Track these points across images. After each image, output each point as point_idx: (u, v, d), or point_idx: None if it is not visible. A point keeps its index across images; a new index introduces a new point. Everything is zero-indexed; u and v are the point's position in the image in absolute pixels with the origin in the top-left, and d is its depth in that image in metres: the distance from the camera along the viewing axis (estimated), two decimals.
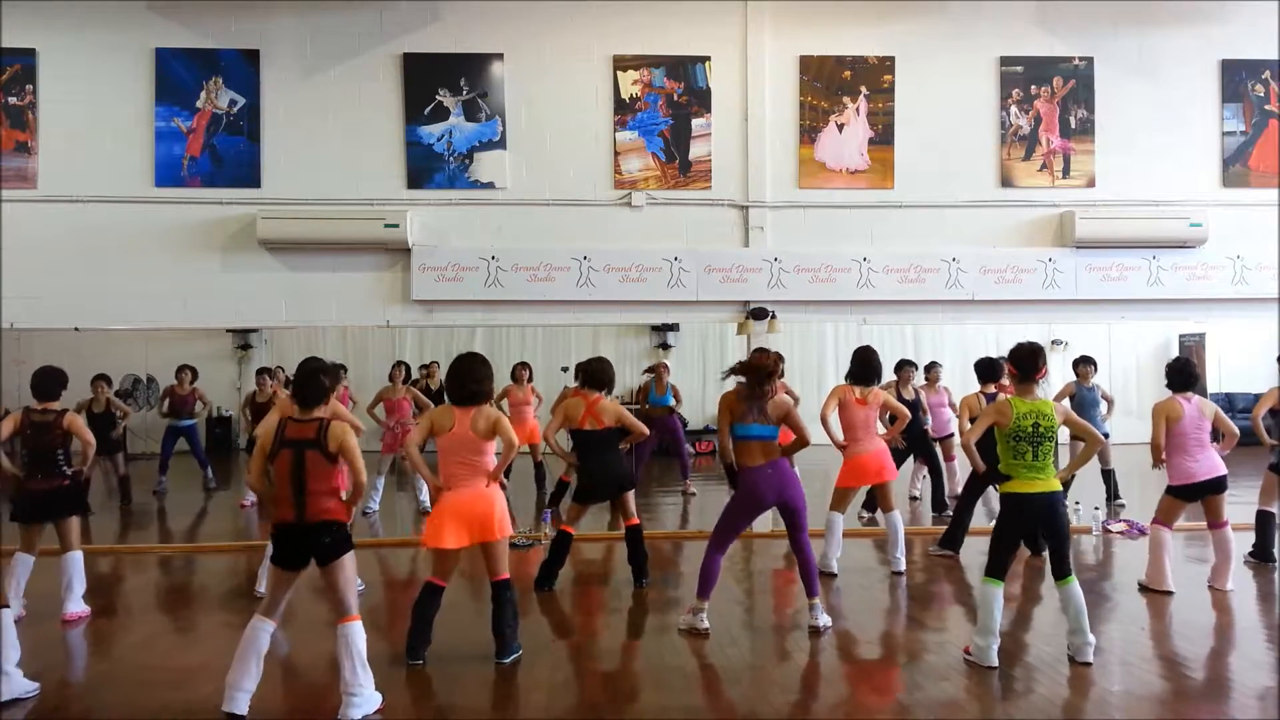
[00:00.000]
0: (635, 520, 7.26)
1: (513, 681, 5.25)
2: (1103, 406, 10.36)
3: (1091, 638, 5.43)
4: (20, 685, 4.98)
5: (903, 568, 7.57)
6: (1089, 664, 5.36)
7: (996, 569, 5.44)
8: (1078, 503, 9.64)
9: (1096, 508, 9.46)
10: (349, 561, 4.81)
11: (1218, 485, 6.91)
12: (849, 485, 7.58)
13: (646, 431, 7.26)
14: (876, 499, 7.64)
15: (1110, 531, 9.19)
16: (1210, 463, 6.90)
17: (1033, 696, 4.99)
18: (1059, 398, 10.56)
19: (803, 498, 5.98)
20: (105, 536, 9.57)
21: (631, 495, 7.26)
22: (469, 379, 5.40)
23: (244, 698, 4.64)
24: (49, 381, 6.50)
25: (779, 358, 6.07)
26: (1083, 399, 10.49)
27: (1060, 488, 5.47)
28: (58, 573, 6.54)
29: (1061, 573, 5.44)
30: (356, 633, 4.74)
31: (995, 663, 5.31)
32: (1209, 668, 5.59)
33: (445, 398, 5.62)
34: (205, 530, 10.38)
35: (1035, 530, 5.65)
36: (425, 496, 10.41)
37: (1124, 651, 5.70)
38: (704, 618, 6.01)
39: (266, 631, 4.72)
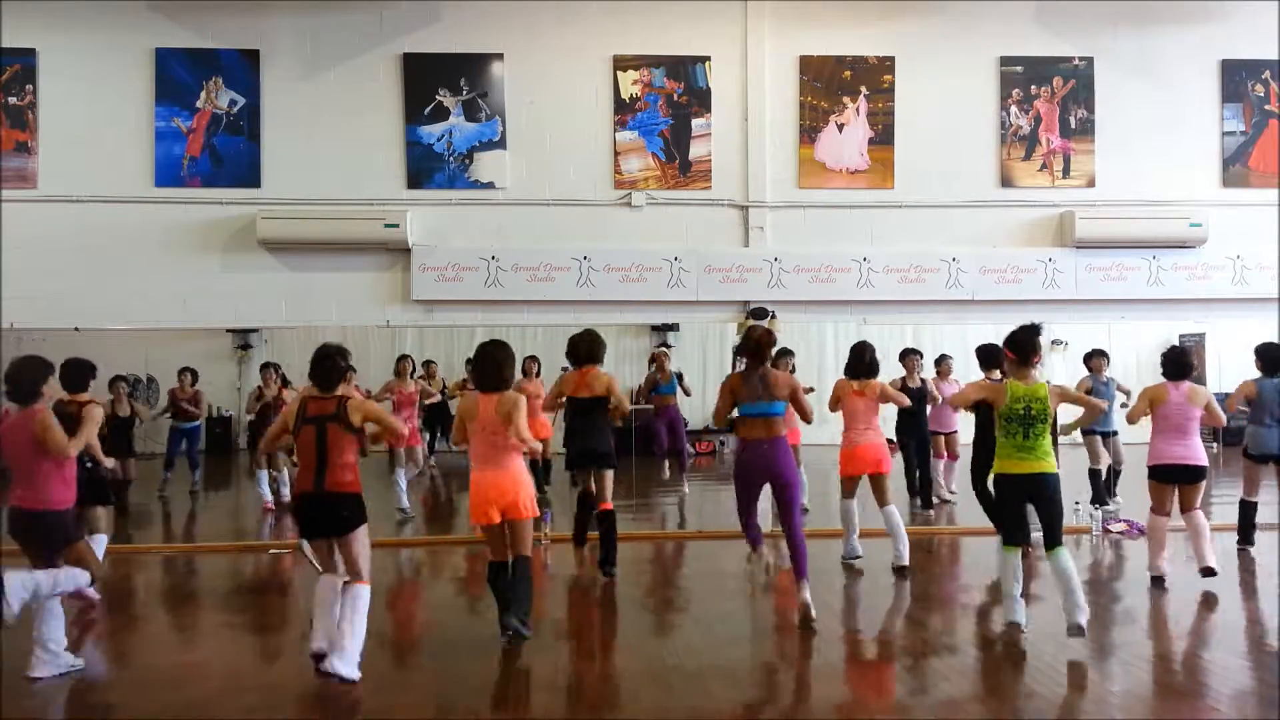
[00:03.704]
0: (609, 505, 7.28)
1: (514, 681, 5.25)
2: (1119, 399, 10.34)
3: (1085, 606, 5.49)
4: (66, 660, 5.22)
5: (906, 562, 7.57)
6: (1082, 628, 5.41)
7: (1013, 537, 5.65)
8: (1077, 503, 9.63)
9: (1096, 507, 9.45)
10: (364, 533, 5.07)
11: (1194, 474, 6.94)
12: (849, 474, 7.78)
13: (627, 407, 7.68)
14: (872, 492, 7.72)
15: (1110, 531, 9.19)
16: (1189, 450, 6.91)
17: (1032, 696, 4.99)
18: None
19: (794, 474, 6.16)
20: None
21: (610, 477, 7.30)
22: (496, 369, 5.60)
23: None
24: (79, 372, 6.48)
25: (768, 332, 6.23)
26: (1098, 394, 10.42)
27: (1054, 469, 5.59)
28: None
29: (1052, 542, 5.58)
30: (364, 595, 4.99)
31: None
32: (1207, 667, 5.59)
33: (469, 384, 5.82)
34: (205, 530, 10.37)
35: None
36: (405, 501, 9.89)
37: (1123, 651, 5.70)
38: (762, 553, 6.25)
39: (345, 588, 4.99)
